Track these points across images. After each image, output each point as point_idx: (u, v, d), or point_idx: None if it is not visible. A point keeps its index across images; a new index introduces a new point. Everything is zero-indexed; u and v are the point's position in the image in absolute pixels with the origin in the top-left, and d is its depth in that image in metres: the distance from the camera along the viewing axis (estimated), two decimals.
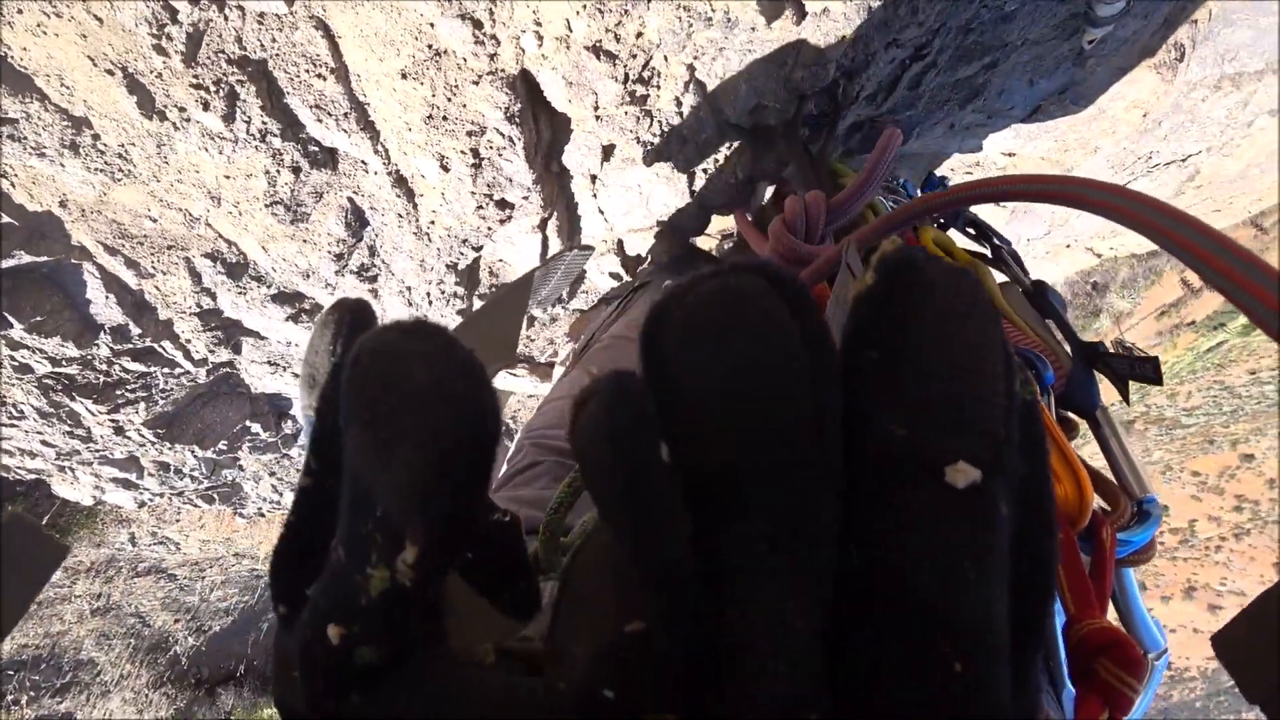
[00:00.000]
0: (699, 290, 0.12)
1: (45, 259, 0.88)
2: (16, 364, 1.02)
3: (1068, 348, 0.44)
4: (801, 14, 0.63)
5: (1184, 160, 1.81)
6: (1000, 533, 0.11)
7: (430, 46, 0.61)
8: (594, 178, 0.81)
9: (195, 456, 1.38)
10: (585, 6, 0.57)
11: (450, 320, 1.07)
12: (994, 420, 0.11)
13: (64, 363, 1.03)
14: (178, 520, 2.61)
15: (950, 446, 0.11)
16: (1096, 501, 0.38)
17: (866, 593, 0.11)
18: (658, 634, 0.11)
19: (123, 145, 0.72)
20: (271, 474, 1.98)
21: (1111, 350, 0.44)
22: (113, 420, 1.20)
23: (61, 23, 0.60)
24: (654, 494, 0.11)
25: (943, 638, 0.10)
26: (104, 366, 1.07)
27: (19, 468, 1.30)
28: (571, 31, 0.60)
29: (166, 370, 1.12)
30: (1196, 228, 0.24)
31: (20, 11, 0.59)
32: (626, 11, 0.59)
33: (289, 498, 2.07)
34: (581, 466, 0.12)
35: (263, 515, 2.21)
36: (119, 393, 1.14)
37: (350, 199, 0.80)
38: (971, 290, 0.12)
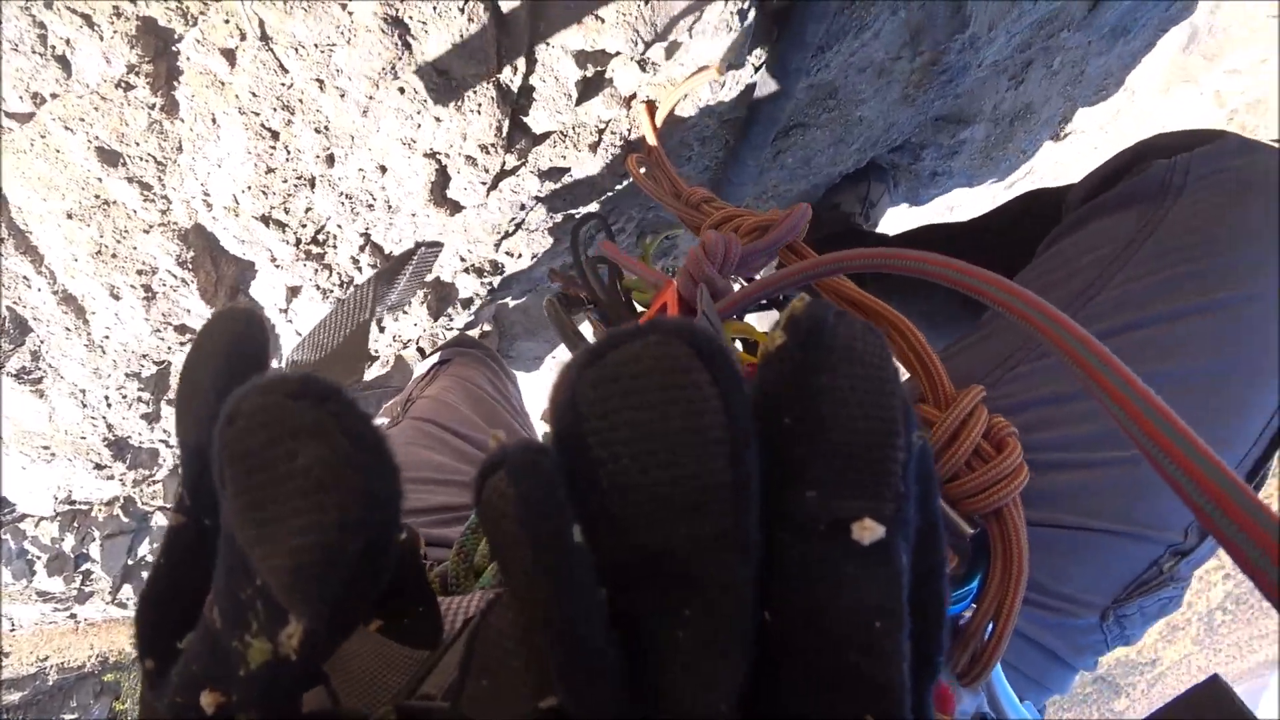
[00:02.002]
0: (617, 352, 0.12)
1: None
2: None
3: None
4: (457, 208, 0.81)
5: None
6: (902, 586, 0.12)
7: (98, 196, 0.69)
8: (282, 310, 0.91)
9: None
10: (250, 188, 0.70)
11: (133, 421, 1.07)
12: (895, 478, 0.12)
13: None
14: None
15: (856, 507, 0.12)
16: None
17: (780, 650, 0.12)
18: (572, 712, 0.11)
19: None
20: None
21: None
22: None
23: None
24: (568, 575, 0.11)
25: (853, 692, 0.11)
26: None
27: None
28: (239, 204, 0.72)
29: None
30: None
31: None
32: (290, 195, 0.72)
33: None
34: (490, 541, 0.11)
35: None
36: None
37: (10, 308, 0.82)
38: (880, 349, 0.13)
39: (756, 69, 0.89)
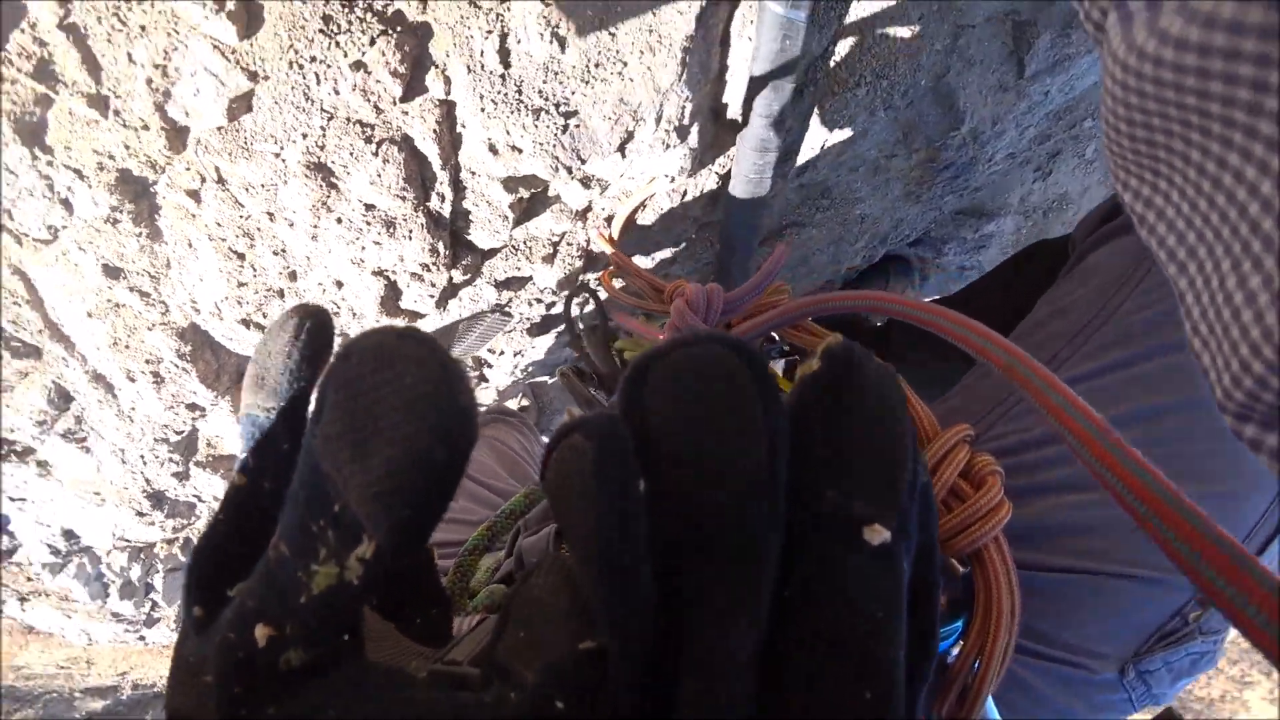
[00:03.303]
0: (679, 354, 0.14)
1: None
2: None
3: None
4: (415, 316, 0.89)
5: None
6: (902, 584, 0.14)
7: (109, 300, 0.83)
8: None
9: None
10: (227, 298, 0.81)
11: (165, 478, 1.23)
12: (901, 494, 0.14)
13: None
14: None
15: (869, 512, 0.13)
16: None
17: (796, 624, 0.13)
18: (612, 652, 0.12)
19: None
20: None
21: None
22: None
23: None
24: (630, 518, 0.12)
25: (856, 668, 0.13)
26: None
27: None
28: (221, 310, 0.83)
29: None
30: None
31: None
32: (263, 303, 0.83)
33: (15, 608, 2.01)
34: (556, 491, 0.13)
35: None
36: None
37: (54, 382, 0.98)
38: (896, 388, 0.15)
39: (722, 178, 0.93)
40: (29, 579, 1.90)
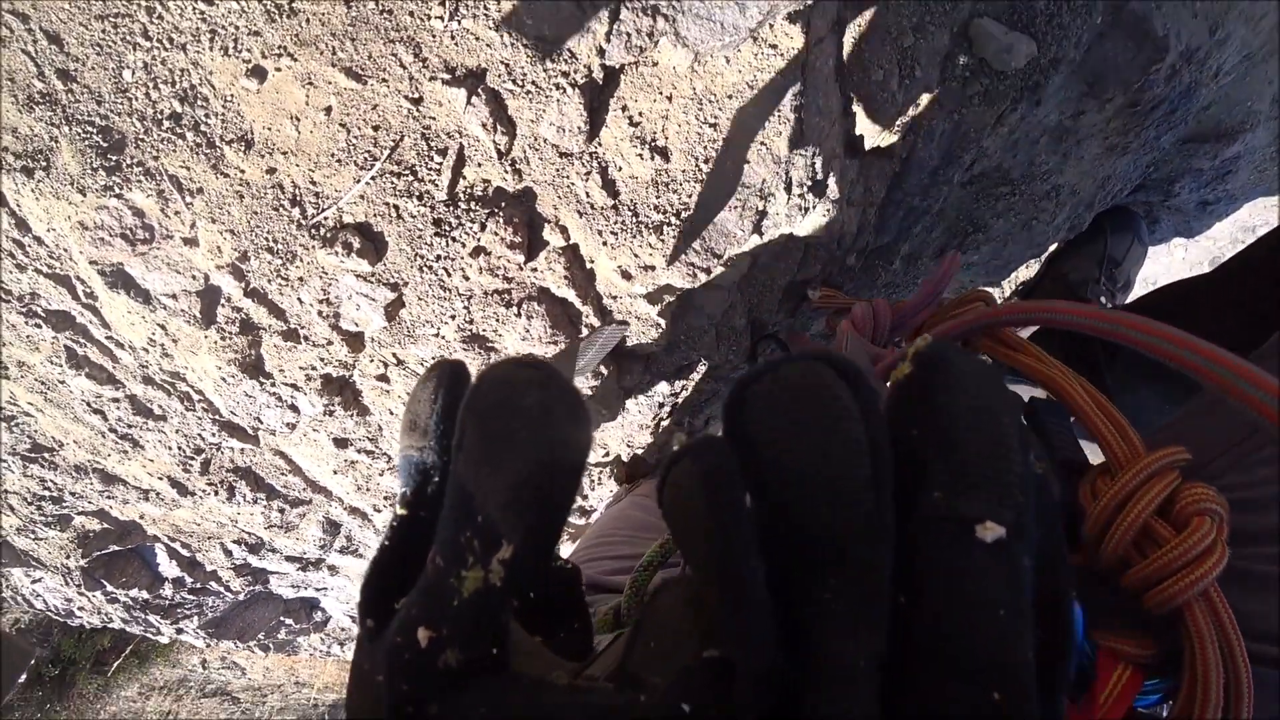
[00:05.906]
0: (777, 373, 0.14)
1: (131, 546, 1.31)
2: (108, 600, 1.46)
3: None
4: (599, 422, 0.92)
5: None
6: (1024, 582, 0.13)
7: (346, 460, 0.97)
8: None
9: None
10: None
11: None
12: (1012, 488, 0.14)
13: (140, 600, 1.46)
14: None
15: (979, 509, 0.13)
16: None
17: (913, 630, 0.13)
18: (736, 661, 0.13)
19: (174, 498, 1.13)
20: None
21: None
22: (175, 627, 1.63)
23: (142, 459, 1.02)
24: (740, 533, 0.13)
25: (981, 671, 0.13)
26: (168, 598, 1.50)
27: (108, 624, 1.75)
28: None
29: (215, 596, 1.53)
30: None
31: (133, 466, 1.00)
32: None
33: (337, 649, 2.45)
34: (671, 512, 0.14)
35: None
36: (179, 611, 1.57)
37: (325, 516, 1.17)
38: (992, 380, 0.15)
39: (868, 209, 0.84)
40: (345, 633, 2.29)
